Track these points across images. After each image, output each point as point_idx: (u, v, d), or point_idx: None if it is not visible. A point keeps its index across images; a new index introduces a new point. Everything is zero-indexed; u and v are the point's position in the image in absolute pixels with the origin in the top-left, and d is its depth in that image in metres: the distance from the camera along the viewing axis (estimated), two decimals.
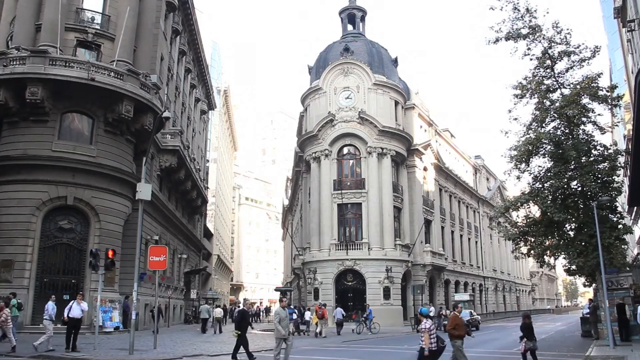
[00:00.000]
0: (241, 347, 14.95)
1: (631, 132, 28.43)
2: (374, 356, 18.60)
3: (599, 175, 19.98)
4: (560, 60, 20.72)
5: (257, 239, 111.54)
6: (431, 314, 36.46)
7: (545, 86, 21.00)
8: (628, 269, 21.91)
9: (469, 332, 12.44)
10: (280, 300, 14.58)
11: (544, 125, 21.01)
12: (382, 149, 40.50)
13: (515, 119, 21.76)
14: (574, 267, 21.98)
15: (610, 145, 21.62)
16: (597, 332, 21.88)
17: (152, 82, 25.54)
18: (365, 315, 31.57)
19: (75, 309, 16.30)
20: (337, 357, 17.72)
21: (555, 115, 20.53)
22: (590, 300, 25.37)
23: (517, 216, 24.11)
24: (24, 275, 21.57)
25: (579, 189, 20.39)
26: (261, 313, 58.49)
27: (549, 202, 20.33)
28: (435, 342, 10.48)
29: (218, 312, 30.85)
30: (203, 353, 17.68)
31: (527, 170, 21.47)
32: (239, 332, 14.80)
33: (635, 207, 31.94)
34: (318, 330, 27.27)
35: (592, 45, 20.30)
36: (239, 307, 17.43)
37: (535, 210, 22.53)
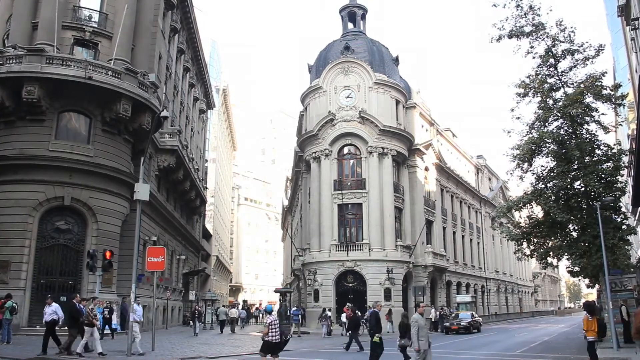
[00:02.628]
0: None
1: (635, 132, 28.23)
2: None
3: (603, 175, 19.77)
4: (563, 59, 20.49)
5: (257, 239, 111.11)
6: (431, 317, 36.28)
7: (548, 85, 20.77)
8: (632, 270, 21.70)
9: None
10: (418, 305, 12.41)
11: (547, 124, 20.78)
12: (383, 148, 40.23)
13: (518, 118, 21.57)
14: (577, 268, 21.76)
15: (614, 145, 21.37)
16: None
17: (150, 81, 25.32)
18: (365, 317, 31.35)
19: (47, 312, 15.82)
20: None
21: (558, 114, 20.30)
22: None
23: (520, 217, 23.88)
24: (20, 276, 21.36)
25: (583, 189, 20.17)
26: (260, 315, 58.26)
27: (552, 202, 20.11)
28: (277, 335, 11.50)
29: (233, 313, 32.68)
30: (202, 355, 17.52)
31: (530, 170, 21.25)
32: (380, 337, 13.31)
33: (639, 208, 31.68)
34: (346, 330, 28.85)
35: (596, 43, 20.09)
36: (372, 308, 15.75)
37: (538, 211, 22.31)
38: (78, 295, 16.40)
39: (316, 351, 20.74)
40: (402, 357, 13.62)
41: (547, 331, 34.14)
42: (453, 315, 35.23)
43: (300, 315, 31.90)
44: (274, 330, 11.56)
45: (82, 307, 15.30)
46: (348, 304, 33.13)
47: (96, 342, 15.32)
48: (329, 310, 33.96)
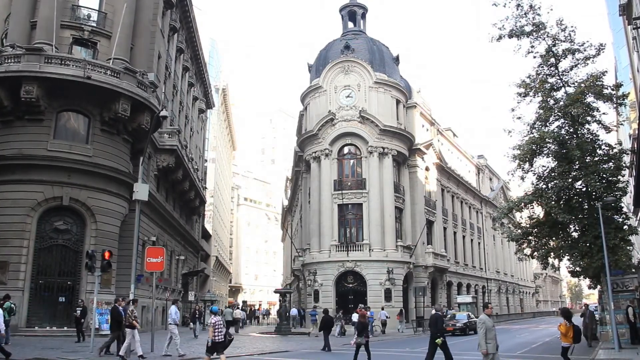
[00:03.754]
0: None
1: (636, 131, 28.14)
2: None
3: (604, 175, 19.66)
4: (564, 58, 20.40)
5: (256, 240, 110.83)
6: (462, 316, 36.04)
7: (549, 84, 20.66)
8: (633, 270, 21.58)
9: None
10: (486, 307, 11.47)
11: (547, 124, 20.68)
12: (384, 148, 40.11)
13: (519, 117, 21.44)
14: (578, 268, 21.65)
15: (615, 145, 21.27)
16: (594, 337, 21.69)
17: (149, 80, 25.21)
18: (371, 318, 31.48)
19: None
20: None
21: (559, 114, 20.22)
22: (585, 305, 25.16)
23: (521, 217, 23.77)
24: (18, 277, 21.29)
25: (584, 189, 20.08)
26: (261, 316, 58.20)
27: (553, 202, 20.02)
28: (220, 335, 12.26)
29: (238, 314, 34.07)
30: (201, 356, 17.39)
31: (531, 170, 21.15)
32: (443, 339, 13.15)
33: None
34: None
35: (597, 43, 19.99)
36: (436, 311, 14.91)
37: (539, 211, 22.20)
38: (120, 298, 16.52)
39: (314, 352, 20.60)
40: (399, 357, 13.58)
41: (549, 332, 33.94)
42: (449, 315, 34.71)
43: (316, 316, 32.43)
44: (217, 330, 12.31)
45: (121, 309, 15.59)
46: (360, 304, 33.59)
47: (137, 343, 15.29)
48: (341, 311, 33.99)
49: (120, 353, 14.82)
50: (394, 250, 38.73)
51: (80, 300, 20.56)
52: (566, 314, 13.10)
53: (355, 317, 31.73)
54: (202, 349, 19.97)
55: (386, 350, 21.36)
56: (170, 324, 16.90)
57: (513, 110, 21.25)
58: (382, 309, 34.64)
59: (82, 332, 19.62)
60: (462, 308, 41.56)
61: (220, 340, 12.37)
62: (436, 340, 13.08)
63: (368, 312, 31.84)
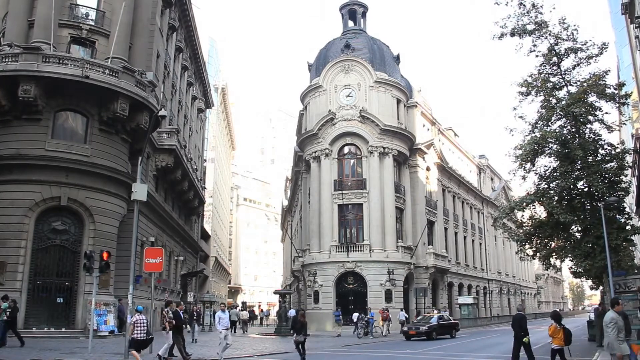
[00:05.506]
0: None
1: (639, 131, 27.99)
2: None
3: (606, 175, 19.54)
4: (566, 57, 20.30)
5: (256, 240, 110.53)
6: (433, 318, 35.98)
7: (551, 84, 20.56)
8: (636, 271, 21.41)
9: None
10: (616, 303, 10.83)
11: (549, 123, 20.56)
12: (384, 148, 39.95)
13: (521, 117, 21.34)
14: (580, 269, 21.48)
15: (618, 144, 21.13)
16: (602, 338, 21.43)
17: (147, 79, 25.03)
18: (366, 319, 31.23)
19: None
20: None
21: (561, 113, 20.09)
22: (600, 304, 24.93)
23: (522, 217, 23.64)
24: (16, 277, 21.08)
25: (586, 189, 19.94)
26: (264, 317, 58.06)
27: (554, 202, 19.91)
28: (142, 333, 12.79)
29: (244, 315, 35.30)
30: (200, 357, 17.30)
31: (533, 170, 21.03)
32: (529, 338, 13.25)
33: None
34: (384, 331, 31.59)
35: (600, 41, 19.90)
36: (518, 311, 15.22)
37: (541, 211, 22.06)
38: (182, 303, 17.20)
39: (314, 353, 20.41)
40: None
41: None
42: (420, 317, 32.18)
43: (340, 317, 33.00)
44: (139, 328, 12.77)
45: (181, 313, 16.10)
46: (384, 305, 33.50)
47: (165, 344, 15.45)
48: (362, 313, 33.38)
49: (160, 353, 15.07)
50: (395, 250, 38.57)
51: (10, 301, 17.82)
52: (556, 316, 13.26)
53: (354, 316, 31.98)
54: (202, 350, 19.91)
55: (386, 352, 21.21)
56: (223, 329, 16.59)
57: (515, 109, 21.20)
58: (401, 309, 34.84)
59: (18, 334, 17.59)
60: (462, 309, 41.33)
61: (142, 338, 12.81)
62: (524, 340, 13.05)
63: (369, 313, 31.83)
